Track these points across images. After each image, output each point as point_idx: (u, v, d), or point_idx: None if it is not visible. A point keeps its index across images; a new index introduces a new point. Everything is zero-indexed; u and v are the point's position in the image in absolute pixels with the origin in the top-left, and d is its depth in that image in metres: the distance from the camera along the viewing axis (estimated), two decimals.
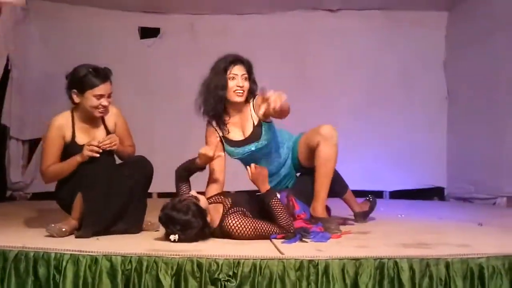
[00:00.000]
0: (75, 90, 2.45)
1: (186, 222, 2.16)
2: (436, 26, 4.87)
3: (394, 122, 4.85)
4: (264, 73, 4.71)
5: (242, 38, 4.89)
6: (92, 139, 2.45)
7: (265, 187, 2.40)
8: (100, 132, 2.54)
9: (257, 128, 2.65)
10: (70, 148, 2.47)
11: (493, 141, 4.20)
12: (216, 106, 2.60)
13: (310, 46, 4.93)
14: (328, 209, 2.89)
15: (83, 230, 2.33)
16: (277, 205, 2.36)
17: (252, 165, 2.43)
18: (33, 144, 4.68)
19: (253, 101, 2.67)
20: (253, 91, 2.66)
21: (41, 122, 4.68)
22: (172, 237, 2.16)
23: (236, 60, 2.64)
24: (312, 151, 2.63)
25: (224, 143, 2.69)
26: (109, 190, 2.38)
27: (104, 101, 2.44)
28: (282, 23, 4.90)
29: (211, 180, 2.67)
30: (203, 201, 2.27)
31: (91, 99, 2.42)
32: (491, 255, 1.95)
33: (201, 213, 2.21)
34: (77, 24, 4.73)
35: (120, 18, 4.85)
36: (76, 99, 2.45)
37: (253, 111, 2.66)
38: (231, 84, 2.59)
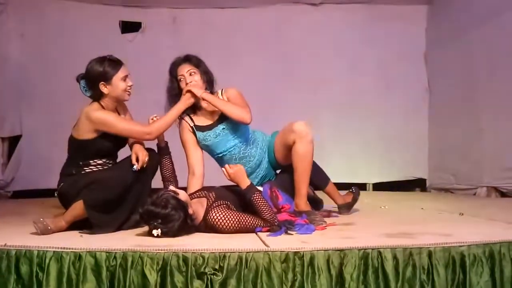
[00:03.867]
0: (102, 83, 2.51)
1: (166, 215, 2.15)
2: (417, 19, 4.93)
3: (376, 115, 4.90)
4: (245, 67, 4.78)
5: (224, 32, 4.88)
6: None
7: (245, 183, 2.41)
8: None
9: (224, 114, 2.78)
10: (100, 141, 2.51)
11: (473, 132, 4.27)
12: None
13: (291, 40, 4.93)
14: (320, 201, 2.95)
15: (95, 232, 2.33)
16: (259, 199, 2.36)
17: (226, 165, 2.46)
18: (13, 142, 4.60)
19: (222, 90, 2.79)
20: (210, 81, 2.77)
21: (20, 119, 4.61)
22: (154, 232, 2.15)
23: (179, 60, 2.76)
24: (288, 149, 2.66)
25: (196, 132, 2.78)
26: (123, 196, 2.42)
27: (129, 81, 2.57)
28: (264, 17, 4.90)
29: (191, 174, 2.72)
30: (182, 195, 2.27)
31: (119, 83, 2.53)
32: (472, 244, 1.99)
33: (181, 205, 2.20)
34: (56, 18, 4.65)
35: (100, 12, 4.78)
36: (106, 90, 2.53)
37: (221, 96, 2.78)
38: (182, 85, 2.73)
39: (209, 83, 2.76)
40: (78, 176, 2.49)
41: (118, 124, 2.52)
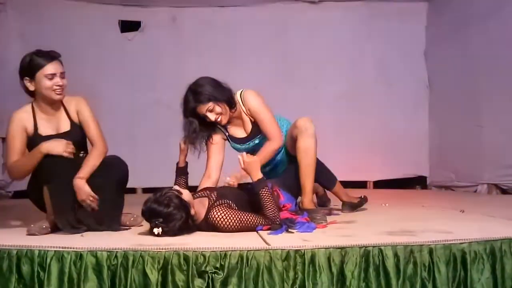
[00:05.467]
0: (26, 78, 2.39)
1: (168, 214, 2.15)
2: (417, 17, 4.92)
3: (376, 113, 4.90)
4: (245, 65, 4.78)
5: (224, 30, 4.88)
6: (56, 129, 2.42)
7: (257, 176, 2.39)
8: (63, 121, 2.47)
9: (255, 124, 2.73)
10: (34, 141, 2.40)
11: (474, 129, 4.27)
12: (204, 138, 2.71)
13: (292, 38, 4.93)
14: (327, 201, 3.03)
15: (58, 221, 2.29)
16: (266, 195, 2.35)
17: (244, 153, 2.43)
18: None
19: (241, 96, 2.70)
20: (229, 100, 2.65)
21: None
22: (155, 230, 2.15)
23: (192, 103, 2.62)
24: (295, 143, 2.67)
25: (230, 141, 2.79)
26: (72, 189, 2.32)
27: (58, 81, 2.37)
28: (264, 15, 4.90)
29: (206, 177, 2.70)
30: (186, 195, 2.26)
31: (43, 80, 2.36)
32: (473, 241, 1.99)
33: (184, 205, 2.20)
34: (56, 17, 4.65)
35: (99, 11, 4.78)
36: (30, 86, 2.39)
37: (243, 107, 2.70)
38: (211, 117, 2.62)
39: (227, 102, 2.65)
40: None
41: (7, 143, 2.39)
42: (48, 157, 2.30)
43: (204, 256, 1.87)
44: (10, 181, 4.51)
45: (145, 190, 4.36)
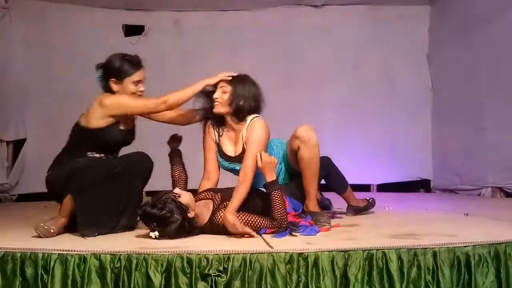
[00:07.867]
0: (113, 79, 2.52)
1: (162, 218, 2.14)
2: (419, 20, 4.94)
3: (380, 116, 4.90)
4: (248, 69, 4.76)
5: (227, 34, 4.90)
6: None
7: (271, 177, 2.37)
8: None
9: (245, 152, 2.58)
10: (110, 131, 2.48)
11: (477, 132, 4.26)
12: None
13: (294, 42, 4.95)
14: (327, 205, 2.99)
15: (86, 231, 2.29)
16: (277, 197, 2.34)
17: (262, 153, 2.40)
18: (17, 145, 4.62)
19: (251, 120, 2.59)
20: (239, 111, 2.56)
21: (24, 122, 4.63)
22: (152, 234, 2.15)
23: (231, 82, 2.60)
24: (296, 155, 2.62)
25: (217, 150, 2.69)
26: (106, 191, 2.35)
27: (141, 87, 2.57)
28: (266, 19, 4.92)
29: (205, 179, 2.67)
30: (184, 197, 2.24)
31: (130, 86, 2.53)
32: (477, 244, 1.98)
33: (180, 208, 2.19)
34: (59, 22, 4.68)
35: (103, 16, 4.81)
36: (115, 87, 2.53)
37: (245, 131, 2.58)
38: (217, 93, 2.58)
39: (236, 108, 2.54)
40: (66, 164, 2.41)
41: (132, 102, 2.50)
42: (84, 166, 2.34)
43: (207, 259, 1.87)
44: (14, 184, 4.53)
45: (149, 194, 4.36)
